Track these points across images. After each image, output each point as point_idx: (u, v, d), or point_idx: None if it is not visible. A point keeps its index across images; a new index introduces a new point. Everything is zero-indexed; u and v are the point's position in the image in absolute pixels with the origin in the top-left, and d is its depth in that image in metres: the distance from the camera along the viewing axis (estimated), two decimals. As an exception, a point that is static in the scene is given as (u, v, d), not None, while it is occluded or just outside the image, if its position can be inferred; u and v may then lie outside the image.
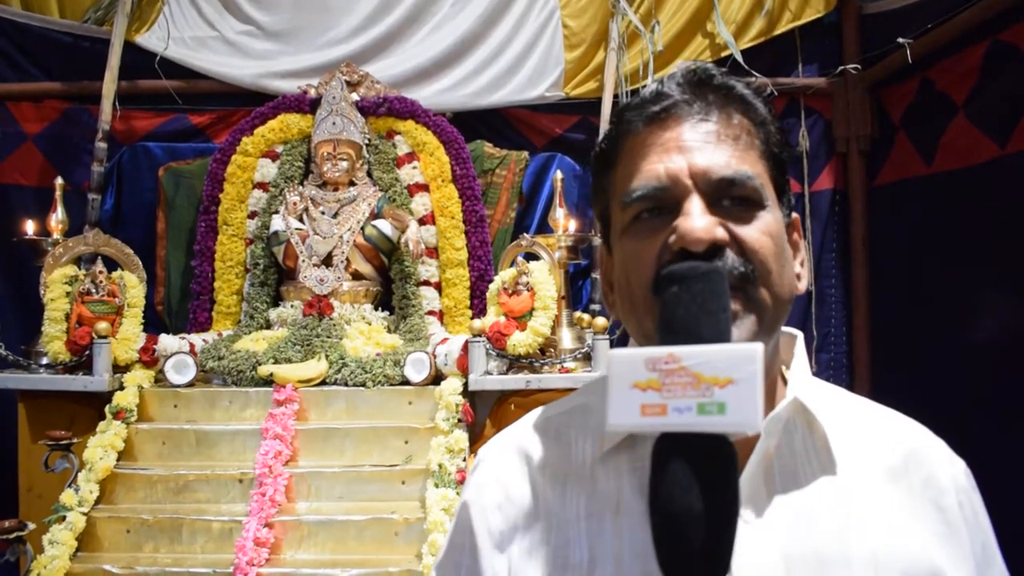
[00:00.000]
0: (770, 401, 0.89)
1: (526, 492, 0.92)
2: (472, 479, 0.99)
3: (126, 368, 3.35)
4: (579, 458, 0.92)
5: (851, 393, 0.99)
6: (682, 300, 0.75)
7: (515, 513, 0.91)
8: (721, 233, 0.83)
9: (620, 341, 4.21)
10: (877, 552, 0.82)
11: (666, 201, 0.85)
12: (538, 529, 0.89)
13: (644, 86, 4.13)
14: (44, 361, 3.44)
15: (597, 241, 4.14)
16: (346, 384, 3.31)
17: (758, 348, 0.68)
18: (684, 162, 0.85)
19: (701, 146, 0.86)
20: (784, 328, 0.94)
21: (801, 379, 0.92)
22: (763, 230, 0.85)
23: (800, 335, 0.97)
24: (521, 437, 0.98)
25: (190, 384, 3.34)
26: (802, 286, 0.93)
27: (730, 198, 0.85)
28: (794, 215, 0.95)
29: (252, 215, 4.06)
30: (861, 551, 0.81)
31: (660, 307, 0.77)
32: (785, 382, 0.93)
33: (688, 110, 0.88)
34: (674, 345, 0.70)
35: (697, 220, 0.82)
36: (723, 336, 0.73)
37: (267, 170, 4.09)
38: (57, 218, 3.83)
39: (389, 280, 4.02)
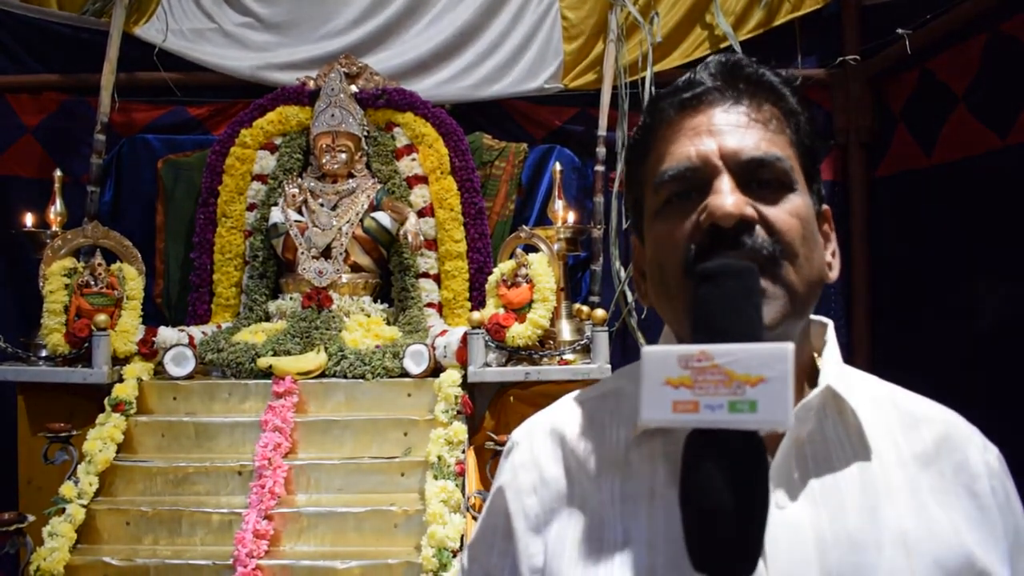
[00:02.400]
0: (801, 388, 0.90)
1: (560, 475, 0.93)
2: (506, 462, 0.99)
3: (125, 360, 3.36)
4: (613, 442, 0.93)
5: (881, 380, 0.99)
6: (714, 297, 0.76)
7: (550, 496, 0.92)
8: (750, 211, 0.84)
9: (619, 334, 4.22)
10: (909, 537, 0.82)
11: (697, 182, 0.87)
12: (574, 511, 0.90)
13: (643, 78, 4.18)
14: (43, 353, 3.44)
15: (596, 233, 4.14)
16: (345, 376, 3.31)
17: (789, 347, 0.68)
18: (714, 144, 0.87)
19: (731, 129, 0.88)
20: (814, 316, 0.95)
21: (833, 366, 0.92)
22: (791, 211, 0.86)
23: (831, 323, 0.98)
24: (554, 420, 0.99)
25: (189, 376, 3.35)
26: (833, 275, 0.94)
27: (759, 180, 0.87)
28: (825, 207, 0.96)
29: (251, 207, 4.06)
30: (893, 536, 0.82)
31: (692, 304, 0.78)
32: (816, 369, 0.93)
33: (719, 97, 0.90)
34: (706, 343, 0.71)
35: (727, 197, 0.83)
36: (755, 334, 0.74)
37: (266, 162, 4.08)
38: (56, 210, 3.84)
39: (388, 272, 4.02)
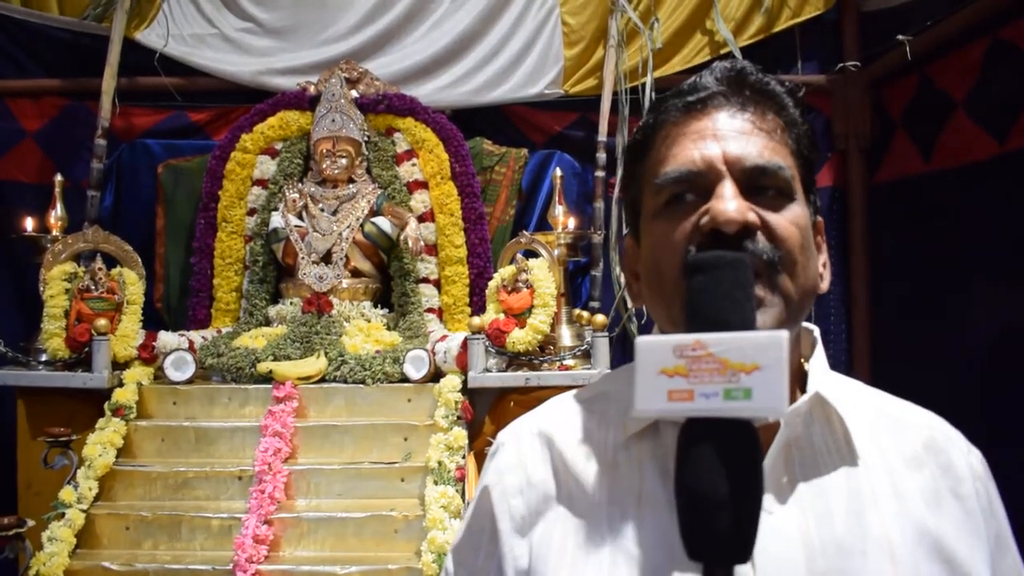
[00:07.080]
0: (791, 394, 0.90)
1: (547, 477, 0.93)
2: (492, 464, 0.99)
3: (125, 365, 3.36)
4: (601, 445, 0.93)
5: (868, 386, 1.00)
6: (708, 288, 0.76)
7: (536, 498, 0.92)
8: (753, 217, 0.85)
9: (619, 339, 4.22)
10: (894, 542, 0.83)
11: (699, 185, 0.87)
12: (560, 513, 0.90)
13: (643, 83, 4.19)
14: (43, 358, 3.45)
15: (597, 239, 4.14)
16: (345, 381, 3.31)
17: (784, 335, 0.69)
18: (719, 149, 0.87)
19: (736, 135, 0.88)
20: (802, 323, 0.96)
21: (820, 373, 0.93)
22: (792, 220, 0.87)
23: (817, 329, 0.98)
24: (541, 423, 0.99)
25: (189, 381, 3.34)
26: (824, 286, 0.95)
27: (761, 187, 0.87)
28: (818, 218, 0.97)
29: (251, 212, 4.06)
30: (878, 542, 0.83)
31: (687, 294, 0.78)
32: (804, 375, 0.94)
33: (724, 102, 0.90)
34: (700, 332, 0.71)
35: (730, 203, 0.84)
36: (749, 323, 0.74)
37: (266, 167, 4.09)
38: (56, 215, 3.84)
39: (388, 277, 4.02)
